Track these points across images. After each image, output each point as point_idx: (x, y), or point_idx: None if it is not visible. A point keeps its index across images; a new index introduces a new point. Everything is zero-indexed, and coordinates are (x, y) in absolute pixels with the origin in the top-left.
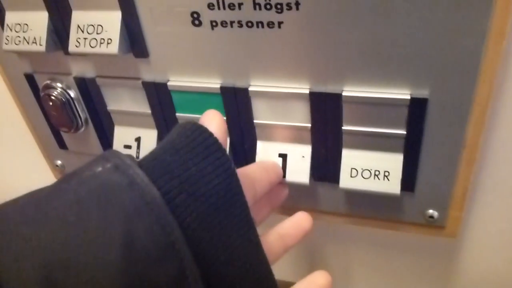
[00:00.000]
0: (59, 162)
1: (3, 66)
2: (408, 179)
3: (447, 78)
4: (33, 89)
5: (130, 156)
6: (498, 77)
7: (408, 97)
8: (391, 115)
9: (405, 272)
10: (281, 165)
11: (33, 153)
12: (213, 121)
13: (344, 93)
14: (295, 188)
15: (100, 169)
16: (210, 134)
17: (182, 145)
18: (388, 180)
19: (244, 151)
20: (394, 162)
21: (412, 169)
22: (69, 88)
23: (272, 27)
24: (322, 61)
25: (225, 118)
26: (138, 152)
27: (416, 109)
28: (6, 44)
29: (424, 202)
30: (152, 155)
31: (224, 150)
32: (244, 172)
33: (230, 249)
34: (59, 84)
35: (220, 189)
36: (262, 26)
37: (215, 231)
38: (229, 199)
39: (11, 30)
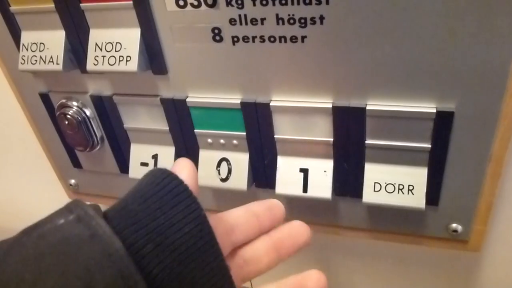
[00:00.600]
0: (73, 181)
1: (17, 86)
2: (433, 193)
3: (473, 91)
4: (48, 108)
5: (95, 206)
6: None
7: (434, 110)
8: (416, 129)
9: (425, 286)
10: (302, 180)
11: (47, 173)
12: (185, 169)
13: (368, 107)
14: (316, 203)
15: (62, 221)
16: (180, 182)
17: (151, 194)
18: (413, 194)
19: (264, 166)
20: (418, 176)
21: (436, 183)
22: (85, 107)
23: (295, 41)
24: (346, 75)
25: (245, 133)
26: None
27: (442, 123)
28: (22, 63)
29: (448, 216)
30: (120, 204)
31: (195, 197)
32: (221, 218)
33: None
34: (74, 103)
35: (190, 237)
36: (285, 41)
37: (186, 281)
38: (199, 248)
39: (27, 49)
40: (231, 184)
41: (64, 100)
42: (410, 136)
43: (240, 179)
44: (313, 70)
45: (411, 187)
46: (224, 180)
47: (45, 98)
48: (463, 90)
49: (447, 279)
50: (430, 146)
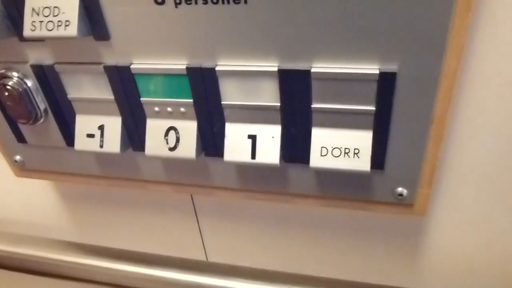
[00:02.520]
0: (18, 157)
1: None
2: (378, 157)
3: (414, 51)
4: None
5: None
6: (464, 51)
7: (377, 71)
8: (360, 91)
9: (373, 252)
10: (250, 147)
11: None
12: None
13: (313, 70)
14: (266, 170)
15: None
16: None
17: None
18: (358, 157)
19: (213, 134)
20: (364, 140)
21: (381, 146)
22: (26, 77)
23: (238, 2)
24: (290, 37)
25: (192, 100)
26: (102, 141)
27: (385, 84)
28: None
29: (394, 180)
30: None
31: None
32: None
33: None
34: (15, 73)
35: None
36: (228, 2)
37: None
38: None
39: None
40: (179, 153)
41: (3, 71)
42: (355, 99)
43: (188, 148)
44: (258, 33)
45: (356, 151)
46: (172, 149)
47: None
48: (404, 50)
49: (396, 245)
50: (374, 108)
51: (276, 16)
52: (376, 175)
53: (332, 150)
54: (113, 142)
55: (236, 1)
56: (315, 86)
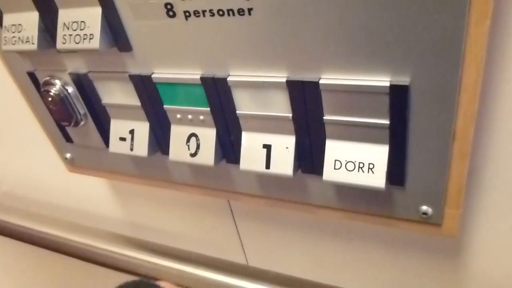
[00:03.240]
0: (68, 155)
1: (9, 64)
2: (396, 173)
3: (428, 63)
4: (36, 86)
5: None
6: (487, 61)
7: (388, 84)
8: (372, 104)
9: (406, 269)
10: (265, 157)
11: (47, 147)
12: None
13: (321, 81)
14: (282, 180)
15: None
16: None
17: None
18: (373, 172)
19: (231, 142)
20: (379, 154)
21: (399, 162)
22: (67, 84)
23: (243, 14)
24: (297, 48)
25: (209, 109)
26: (132, 144)
27: (397, 97)
28: (4, 44)
29: (416, 198)
30: None
31: None
32: None
33: None
34: (57, 81)
35: None
36: (233, 14)
37: None
38: None
39: (8, 31)
40: (199, 159)
41: (47, 78)
42: (368, 112)
43: (208, 155)
44: (264, 44)
45: (371, 166)
46: (193, 155)
47: (32, 77)
48: (417, 61)
49: (431, 263)
50: (388, 122)
51: (280, 27)
52: (396, 191)
53: (346, 164)
54: (142, 146)
55: (241, 13)
56: (325, 97)
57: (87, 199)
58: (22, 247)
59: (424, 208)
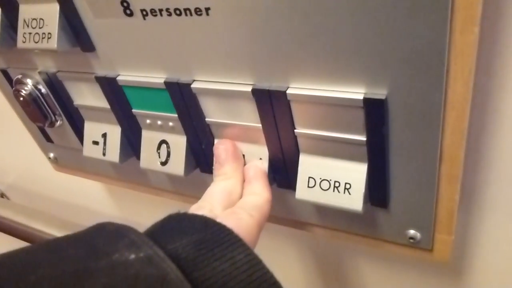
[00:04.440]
0: (51, 154)
1: None
2: (378, 194)
3: (407, 75)
4: (11, 84)
5: (161, 244)
6: (478, 74)
7: (361, 97)
8: (347, 118)
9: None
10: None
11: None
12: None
13: (289, 91)
14: None
15: (132, 256)
16: (234, 234)
17: (211, 242)
18: (349, 193)
19: (203, 150)
20: (357, 173)
21: (380, 182)
22: (39, 84)
23: (200, 14)
24: (261, 54)
25: (176, 115)
26: (104, 149)
27: (372, 111)
28: None
29: (402, 221)
30: (184, 247)
31: (248, 247)
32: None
33: None
34: (29, 80)
35: (252, 281)
36: (191, 14)
37: None
38: None
39: None
40: (169, 168)
41: (19, 77)
42: (343, 126)
43: (178, 164)
44: (226, 47)
45: (348, 186)
46: (163, 163)
47: (5, 74)
48: (394, 73)
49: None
50: (365, 138)
51: (241, 30)
52: (380, 213)
53: (320, 182)
54: (114, 151)
55: (198, 13)
56: (295, 108)
57: (81, 196)
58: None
59: (412, 232)
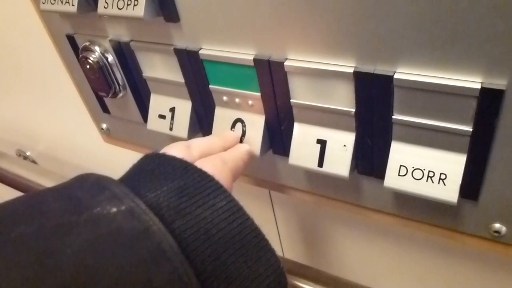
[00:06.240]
0: (104, 125)
1: (48, 25)
2: (471, 186)
3: None
4: (75, 51)
5: (142, 193)
6: None
7: (478, 86)
8: (455, 107)
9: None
10: (318, 153)
11: (84, 113)
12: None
13: (396, 76)
14: (334, 178)
15: (114, 210)
16: (215, 180)
17: (192, 189)
18: (444, 184)
19: (281, 132)
20: (454, 164)
21: (476, 175)
22: (107, 52)
23: None
24: (371, 34)
25: (259, 94)
26: (171, 123)
27: (488, 102)
28: (43, 3)
29: (490, 214)
30: (165, 195)
31: (229, 194)
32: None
33: (249, 278)
34: (97, 47)
35: (237, 232)
36: None
37: (234, 275)
38: (248, 241)
39: None
40: None
41: (87, 43)
42: (448, 115)
43: (254, 143)
44: (333, 26)
45: (443, 176)
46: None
47: (71, 40)
48: None
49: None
50: (471, 129)
51: (352, 7)
52: (467, 205)
53: (412, 171)
54: (182, 127)
55: None
56: (398, 94)
57: (121, 169)
58: None
59: (497, 226)
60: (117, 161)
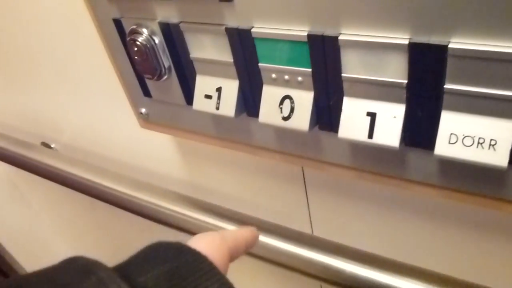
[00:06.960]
0: (143, 110)
1: (93, 10)
2: None
3: None
4: (121, 35)
5: (131, 278)
6: None
7: None
8: (507, 74)
9: (495, 256)
10: (368, 125)
11: (121, 100)
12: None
13: (451, 45)
14: (383, 151)
15: None
16: (208, 261)
17: (184, 271)
18: (494, 150)
19: (329, 107)
20: (504, 130)
21: None
22: (155, 34)
23: None
24: (426, 5)
25: (310, 69)
26: (218, 103)
27: None
28: None
29: None
30: (155, 279)
31: (222, 276)
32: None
33: None
34: (145, 30)
35: None
36: None
37: None
38: None
39: None
40: (292, 123)
41: (135, 26)
42: (500, 83)
43: (302, 119)
44: None
45: (493, 142)
46: (286, 118)
47: (118, 24)
48: None
49: None
50: None
51: None
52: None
53: (463, 139)
54: (228, 106)
55: None
56: (451, 64)
57: (153, 156)
58: (81, 198)
59: None
60: (148, 148)
